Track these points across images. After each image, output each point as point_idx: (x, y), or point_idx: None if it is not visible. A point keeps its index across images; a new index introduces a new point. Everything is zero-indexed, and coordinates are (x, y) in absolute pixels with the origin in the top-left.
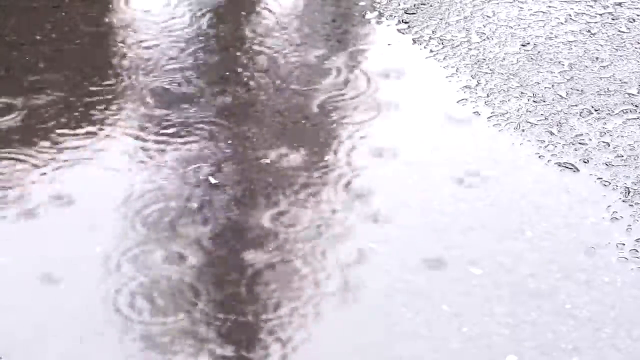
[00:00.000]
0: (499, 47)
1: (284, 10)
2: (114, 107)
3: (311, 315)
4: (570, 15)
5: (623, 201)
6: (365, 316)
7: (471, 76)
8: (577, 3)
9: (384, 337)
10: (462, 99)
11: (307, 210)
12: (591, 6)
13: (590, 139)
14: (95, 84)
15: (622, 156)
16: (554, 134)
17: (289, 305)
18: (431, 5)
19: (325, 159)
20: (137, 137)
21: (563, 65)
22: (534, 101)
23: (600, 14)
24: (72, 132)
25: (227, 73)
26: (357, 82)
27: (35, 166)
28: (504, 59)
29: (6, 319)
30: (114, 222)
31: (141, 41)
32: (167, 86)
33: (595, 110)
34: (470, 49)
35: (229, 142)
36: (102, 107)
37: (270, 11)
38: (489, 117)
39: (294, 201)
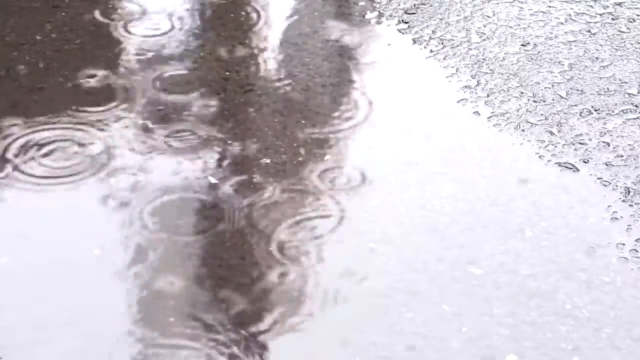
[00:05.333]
0: (499, 47)
1: (284, 11)
2: (113, 107)
3: (312, 314)
4: (570, 15)
5: (623, 201)
6: (365, 316)
7: (471, 76)
8: (577, 3)
9: (384, 337)
10: (462, 99)
11: (306, 210)
12: (591, 6)
13: (590, 139)
14: (95, 84)
15: (622, 156)
16: (554, 134)
17: (289, 305)
18: (431, 5)
19: (325, 158)
20: (136, 137)
21: (563, 65)
22: (534, 101)
23: (600, 14)
24: (72, 131)
25: (227, 73)
26: (356, 82)
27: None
28: (504, 59)
29: (6, 319)
30: (111, 227)
31: (141, 41)
32: (167, 86)
33: (595, 110)
34: (470, 49)
35: (229, 142)
36: (102, 107)
37: (270, 11)
38: (489, 117)
39: (293, 201)
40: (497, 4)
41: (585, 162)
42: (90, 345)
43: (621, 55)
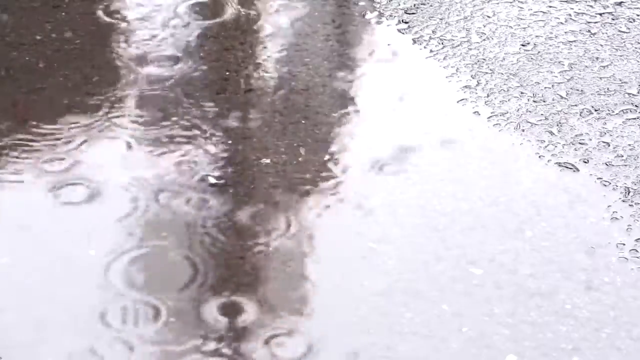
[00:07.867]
0: (499, 47)
1: (284, 11)
2: (113, 107)
3: (312, 313)
4: (570, 15)
5: (623, 201)
6: (365, 316)
7: (471, 76)
8: (577, 3)
9: (384, 337)
10: (462, 99)
11: (305, 211)
12: (591, 6)
13: (590, 139)
14: (95, 84)
15: (622, 156)
16: (554, 134)
17: (289, 303)
18: (431, 5)
19: (325, 158)
20: (136, 137)
21: (563, 65)
22: (534, 101)
23: (600, 14)
24: (72, 131)
25: (227, 73)
26: (356, 82)
27: (34, 164)
28: (504, 59)
29: (6, 319)
30: (109, 227)
31: (141, 41)
32: (167, 86)
33: (595, 110)
34: (470, 49)
35: (229, 142)
36: (102, 106)
37: (270, 12)
38: (489, 117)
39: (293, 202)
40: (497, 4)
41: (585, 162)
42: (91, 345)
43: (621, 55)
